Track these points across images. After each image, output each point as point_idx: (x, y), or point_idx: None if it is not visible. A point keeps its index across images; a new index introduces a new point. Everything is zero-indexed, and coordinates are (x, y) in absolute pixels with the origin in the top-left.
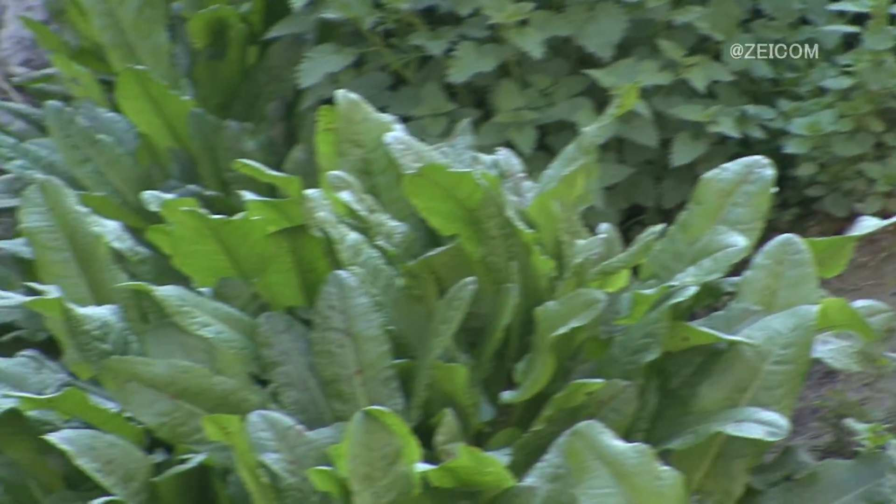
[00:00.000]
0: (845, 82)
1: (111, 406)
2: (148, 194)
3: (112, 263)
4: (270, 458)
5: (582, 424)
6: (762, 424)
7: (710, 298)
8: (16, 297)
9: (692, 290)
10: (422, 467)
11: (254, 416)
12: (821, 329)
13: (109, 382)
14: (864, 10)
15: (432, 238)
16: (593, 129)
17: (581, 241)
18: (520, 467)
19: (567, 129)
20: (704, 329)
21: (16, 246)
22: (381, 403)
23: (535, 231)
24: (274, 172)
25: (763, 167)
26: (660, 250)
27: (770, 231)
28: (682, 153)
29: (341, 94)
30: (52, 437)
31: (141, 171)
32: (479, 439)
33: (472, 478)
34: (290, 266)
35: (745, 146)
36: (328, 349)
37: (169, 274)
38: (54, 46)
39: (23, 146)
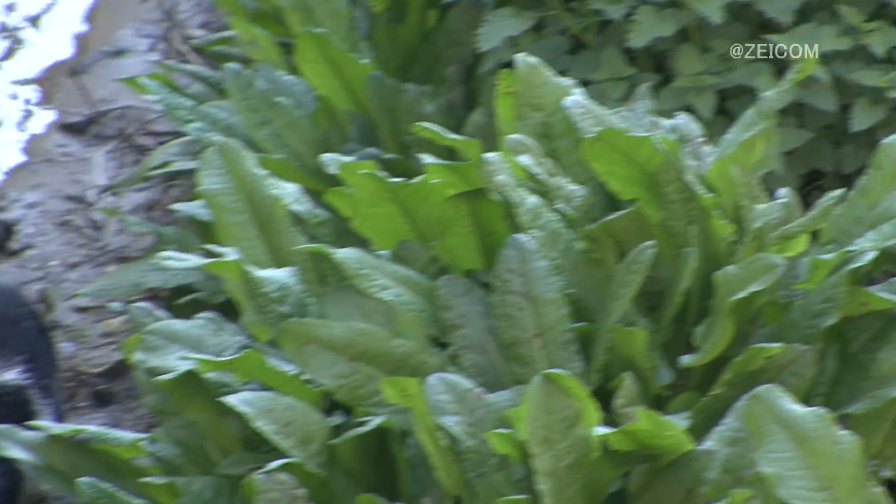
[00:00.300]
0: None
1: (289, 368)
2: (327, 157)
3: (291, 226)
4: (449, 421)
5: (761, 388)
6: None
7: (889, 264)
8: (194, 260)
9: (871, 255)
10: (601, 430)
11: (433, 379)
12: None
13: (288, 344)
14: None
15: (611, 202)
16: (773, 94)
17: (760, 206)
18: (698, 431)
19: (746, 94)
20: (883, 294)
21: (194, 208)
22: (560, 367)
23: (714, 195)
24: (453, 136)
25: None
26: (839, 215)
27: None
28: (862, 118)
29: (521, 57)
30: (230, 400)
31: (319, 133)
32: (658, 403)
33: (650, 441)
34: (470, 229)
35: None
36: (507, 312)
37: (348, 236)
38: (233, 9)
39: (201, 109)
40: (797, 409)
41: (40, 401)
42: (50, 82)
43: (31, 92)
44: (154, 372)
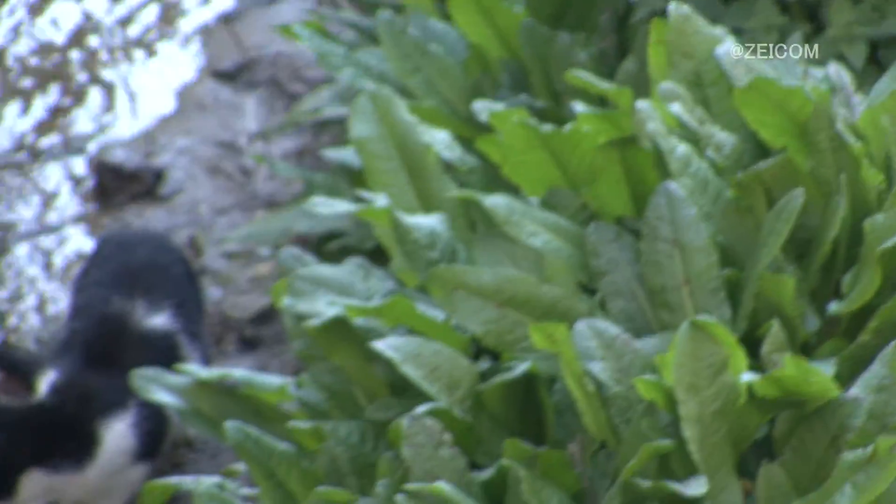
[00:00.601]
0: None
1: (437, 314)
2: (478, 104)
3: (441, 173)
4: (596, 367)
5: None
6: None
7: None
8: (343, 206)
9: None
10: (747, 377)
11: (580, 325)
12: None
13: (436, 290)
14: None
15: (761, 150)
16: None
17: None
18: (844, 378)
19: None
20: None
21: (344, 155)
22: (708, 314)
23: (863, 144)
24: (605, 84)
25: None
26: None
27: None
28: None
29: (674, 6)
30: (378, 345)
31: (470, 81)
32: (805, 350)
33: (797, 388)
34: (620, 177)
35: None
36: (656, 259)
37: (497, 183)
38: None
39: (353, 56)
40: None
41: (187, 346)
42: (203, 30)
43: (186, 39)
44: (302, 317)
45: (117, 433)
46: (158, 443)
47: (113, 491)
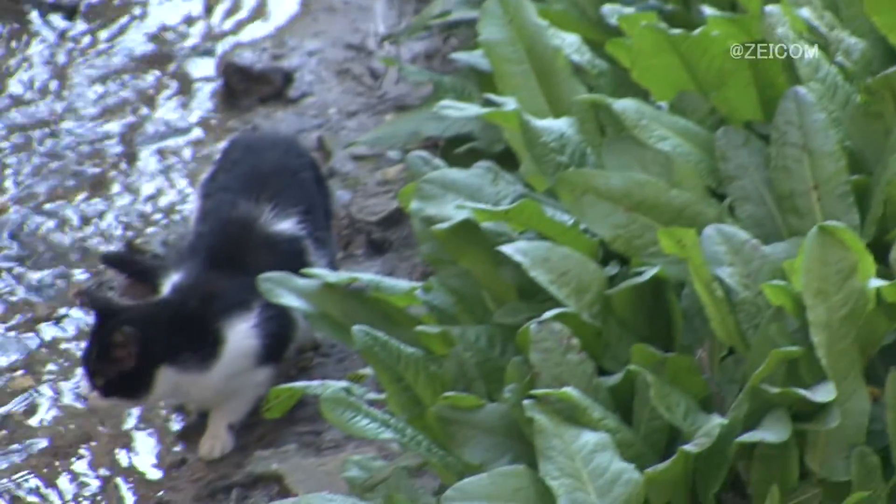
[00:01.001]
0: None
1: (566, 218)
2: (607, 8)
3: (570, 76)
4: (725, 272)
5: None
6: None
7: None
8: (473, 109)
9: None
10: (876, 283)
11: (709, 230)
12: None
13: (565, 195)
14: None
15: (891, 55)
16: None
17: None
18: None
19: None
20: None
21: (473, 58)
22: (836, 219)
23: None
24: None
25: None
26: None
27: None
28: None
29: None
30: (507, 249)
31: None
32: None
33: None
34: (749, 81)
35: None
36: (785, 164)
37: (627, 87)
38: None
39: None
40: None
41: (314, 252)
42: None
43: None
44: (430, 221)
45: (241, 333)
46: (283, 346)
47: (238, 393)
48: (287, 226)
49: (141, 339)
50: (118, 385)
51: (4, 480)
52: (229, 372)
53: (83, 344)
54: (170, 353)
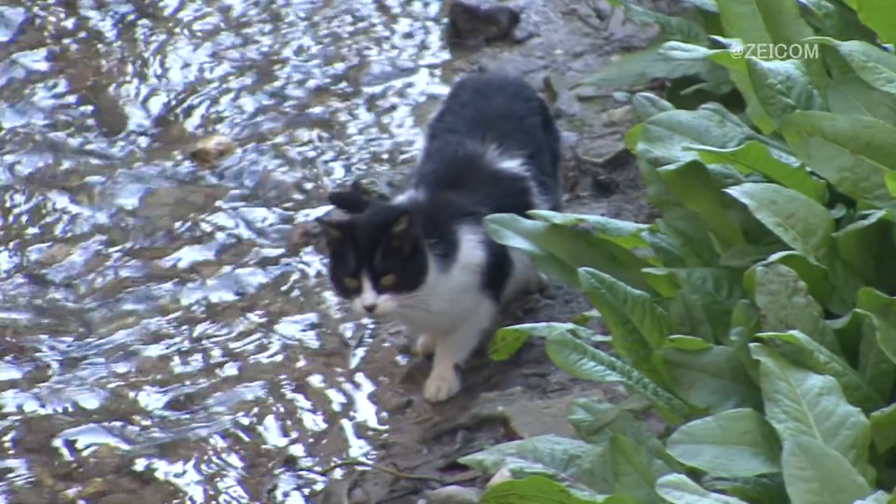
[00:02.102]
0: None
1: (791, 161)
2: None
3: (797, 17)
4: None
5: None
6: None
7: None
8: (699, 50)
9: None
10: None
11: None
12: None
13: (791, 137)
14: None
15: None
16: None
17: None
18: None
19: None
20: None
21: None
22: None
23: None
24: None
25: None
26: None
27: None
28: None
29: None
30: (733, 191)
31: None
32: None
33: None
34: None
35: None
36: None
37: (854, 29)
38: None
39: None
40: None
41: (539, 195)
42: None
43: None
44: (656, 162)
45: (471, 242)
46: (502, 278)
47: (462, 323)
48: (512, 164)
49: (415, 223)
50: (402, 277)
51: (227, 417)
52: (461, 280)
53: (316, 274)
54: (427, 242)
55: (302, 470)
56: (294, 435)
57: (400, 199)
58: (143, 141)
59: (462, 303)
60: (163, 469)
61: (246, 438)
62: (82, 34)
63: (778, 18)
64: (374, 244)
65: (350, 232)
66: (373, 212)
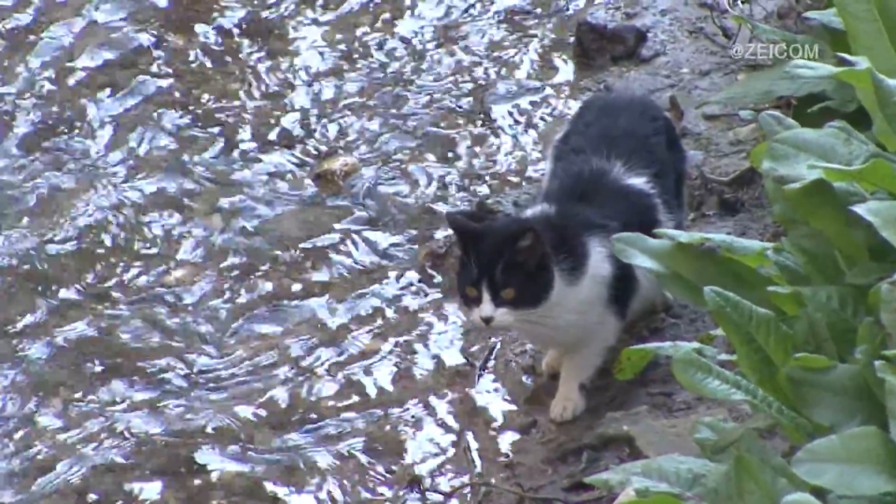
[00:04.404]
0: None
1: None
2: None
3: None
4: None
5: None
6: None
7: None
8: (825, 68)
9: None
10: None
11: None
12: None
13: None
14: None
15: None
16: None
17: None
18: None
19: None
20: None
21: (825, 16)
22: None
23: None
24: None
25: None
26: None
27: None
28: None
29: None
30: (858, 209)
31: None
32: None
33: None
34: None
35: None
36: None
37: None
38: None
39: None
40: None
41: (664, 213)
42: None
43: None
44: (782, 180)
45: (600, 255)
46: (627, 296)
47: (588, 340)
48: (638, 181)
49: (542, 239)
50: (523, 293)
51: (354, 439)
52: (589, 292)
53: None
54: (555, 256)
55: (427, 490)
56: (419, 455)
57: (528, 212)
58: (270, 162)
59: (589, 316)
60: (289, 492)
61: (372, 459)
62: (207, 58)
63: None
64: (497, 256)
65: (475, 240)
66: (501, 223)
